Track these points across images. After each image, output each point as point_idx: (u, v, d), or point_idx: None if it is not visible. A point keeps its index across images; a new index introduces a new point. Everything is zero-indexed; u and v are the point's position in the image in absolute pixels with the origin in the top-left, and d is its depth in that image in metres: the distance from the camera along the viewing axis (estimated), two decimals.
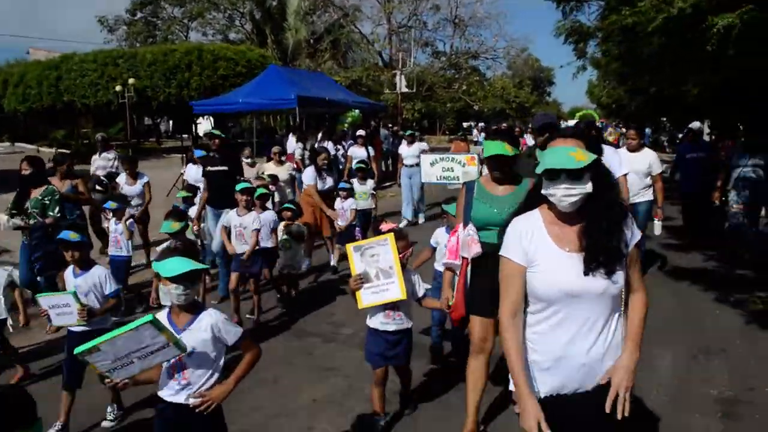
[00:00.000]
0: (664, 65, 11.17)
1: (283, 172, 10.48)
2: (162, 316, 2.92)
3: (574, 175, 2.18)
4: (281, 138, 19.45)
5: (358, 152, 12.78)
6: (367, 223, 9.19)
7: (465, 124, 48.93)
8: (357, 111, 18.51)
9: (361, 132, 13.82)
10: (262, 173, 10.09)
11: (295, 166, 13.28)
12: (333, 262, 8.59)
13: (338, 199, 8.48)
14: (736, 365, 5.13)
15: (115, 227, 6.87)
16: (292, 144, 14.10)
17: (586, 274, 2.23)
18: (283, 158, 11.00)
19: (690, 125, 10.73)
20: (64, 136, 28.35)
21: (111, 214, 6.97)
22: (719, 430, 4.12)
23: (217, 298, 7.26)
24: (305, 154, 13.58)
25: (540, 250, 2.30)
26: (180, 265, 2.82)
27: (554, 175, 2.21)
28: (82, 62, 28.90)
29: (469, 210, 3.69)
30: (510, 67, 48.27)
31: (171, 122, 45.04)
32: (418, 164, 11.82)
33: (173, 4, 40.22)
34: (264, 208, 6.97)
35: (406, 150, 12.40)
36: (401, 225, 10.76)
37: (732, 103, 12.59)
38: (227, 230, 6.64)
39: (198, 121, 32.16)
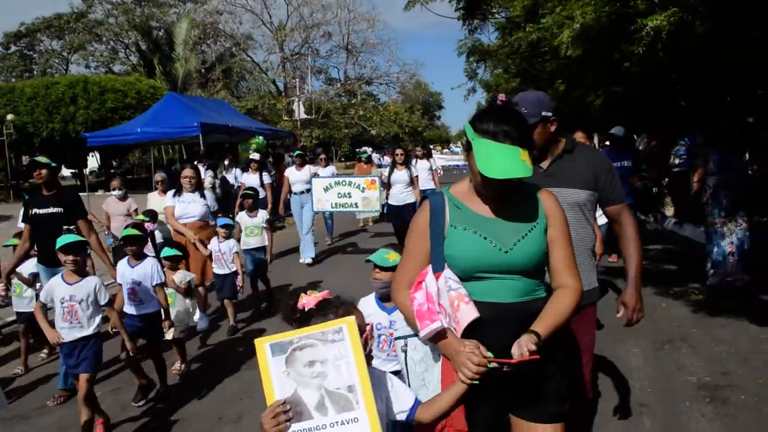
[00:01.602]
0: (570, 77, 11.80)
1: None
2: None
3: None
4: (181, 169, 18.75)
5: (250, 179, 11.42)
6: (260, 268, 7.62)
7: (361, 150, 49.38)
8: (261, 137, 18.22)
9: (254, 156, 12.42)
10: (134, 210, 8.47)
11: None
12: (231, 321, 6.88)
13: (214, 240, 6.85)
14: (702, 352, 5.34)
15: None
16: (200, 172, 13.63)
17: None
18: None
19: (612, 131, 9.23)
20: None
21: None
22: (714, 413, 4.21)
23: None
24: (216, 182, 13.17)
25: None
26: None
27: None
28: None
29: (440, 244, 2.27)
30: (401, 92, 49.35)
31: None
32: (309, 190, 10.42)
33: (51, 36, 38.19)
34: (138, 257, 5.12)
35: (295, 174, 10.75)
36: (306, 262, 10.27)
37: (633, 111, 13.20)
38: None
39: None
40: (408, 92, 54.30)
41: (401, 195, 9.96)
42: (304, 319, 2.02)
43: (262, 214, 7.78)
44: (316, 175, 10.87)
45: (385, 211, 10.73)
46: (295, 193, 10.68)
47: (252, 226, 7.64)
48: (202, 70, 35.68)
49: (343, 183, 10.34)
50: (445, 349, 2.18)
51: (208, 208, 7.25)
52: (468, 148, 2.21)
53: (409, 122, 51.43)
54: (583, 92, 12.18)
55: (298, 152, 11.61)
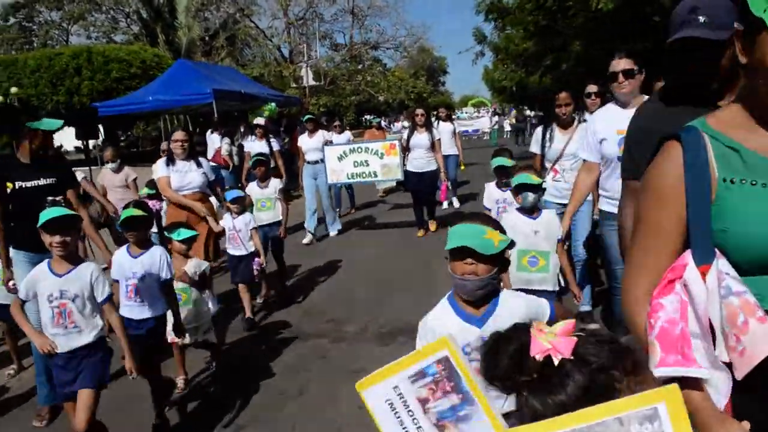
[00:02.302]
0: (597, 33, 11.31)
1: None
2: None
3: None
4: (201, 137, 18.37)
5: (256, 146, 10.23)
6: (275, 246, 6.74)
7: (367, 118, 48.80)
8: (273, 104, 17.73)
9: (258, 120, 11.05)
10: (133, 180, 7.96)
11: (224, 163, 12.48)
12: (248, 313, 5.92)
13: (227, 216, 6.01)
14: None
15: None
16: (215, 141, 13.22)
17: None
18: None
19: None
20: None
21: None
22: None
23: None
24: (233, 150, 12.80)
25: None
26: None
27: None
28: None
29: (705, 215, 1.36)
30: (407, 57, 48.47)
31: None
32: (323, 159, 9.57)
33: (50, 7, 37.35)
34: (142, 245, 4.07)
35: (307, 142, 9.83)
36: (305, 241, 9.51)
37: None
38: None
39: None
40: (413, 57, 53.48)
41: (422, 161, 9.09)
42: (544, 381, 1.03)
43: (275, 184, 6.79)
44: (329, 143, 9.95)
45: (403, 179, 9.63)
46: (308, 162, 9.75)
47: (264, 198, 6.71)
48: (206, 38, 34.98)
49: (359, 150, 9.38)
50: (689, 407, 0.99)
51: (206, 177, 6.24)
52: (749, 34, 1.30)
53: (414, 88, 50.75)
54: (608, 50, 11.66)
55: (308, 116, 10.27)
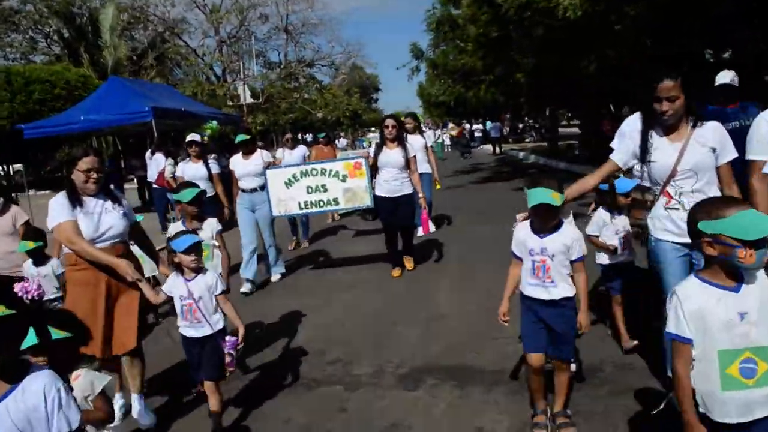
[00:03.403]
0: (563, 42, 11.11)
1: None
2: None
3: None
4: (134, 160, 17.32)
5: (189, 169, 8.13)
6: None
7: (306, 137, 48.14)
8: (215, 122, 16.91)
9: (193, 137, 8.55)
10: (23, 223, 5.38)
11: (168, 186, 11.62)
12: (216, 407, 3.84)
13: (174, 277, 3.87)
14: None
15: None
16: (158, 163, 12.31)
17: None
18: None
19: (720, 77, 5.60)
20: None
21: None
22: None
23: None
24: (174, 171, 11.94)
25: None
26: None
27: None
28: None
29: None
30: (345, 74, 48.07)
31: None
32: (264, 187, 7.43)
33: None
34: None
35: (242, 165, 7.49)
36: (243, 290, 7.18)
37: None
38: None
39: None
40: (348, 74, 53.23)
41: (395, 183, 7.24)
42: None
43: (212, 225, 4.83)
44: (272, 164, 7.77)
45: (372, 206, 7.67)
46: (244, 191, 7.47)
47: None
48: (134, 57, 33.55)
49: (314, 172, 7.40)
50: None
51: (127, 219, 4.11)
52: None
53: (349, 105, 50.42)
54: (575, 59, 11.53)
55: (240, 137, 7.64)
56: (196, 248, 3.75)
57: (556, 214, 3.23)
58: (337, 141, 33.09)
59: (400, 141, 7.30)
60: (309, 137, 48.44)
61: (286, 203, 7.44)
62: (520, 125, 35.63)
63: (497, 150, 28.47)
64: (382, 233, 7.95)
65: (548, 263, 3.26)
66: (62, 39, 33.63)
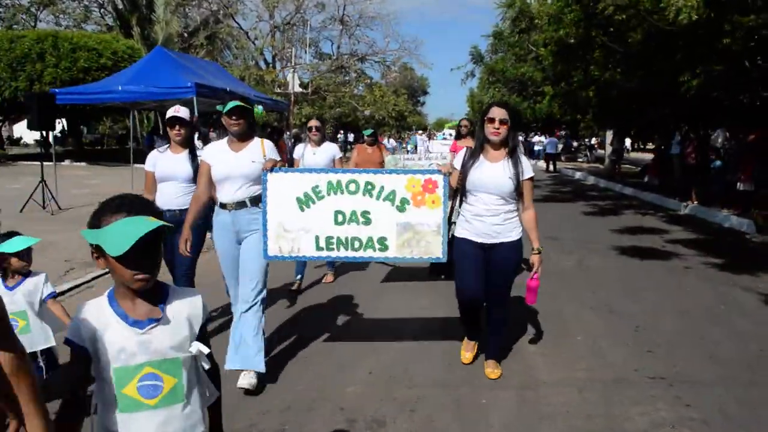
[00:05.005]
0: (668, 49, 9.67)
1: None
2: None
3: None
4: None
5: (166, 164, 5.07)
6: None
7: (343, 134, 47.06)
8: (260, 107, 15.76)
9: (176, 112, 4.84)
10: None
11: None
12: None
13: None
14: None
15: None
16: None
17: None
18: None
19: None
20: None
21: None
22: None
23: None
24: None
25: None
26: None
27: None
28: None
29: None
30: (398, 72, 46.83)
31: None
32: (256, 200, 4.19)
33: None
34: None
35: (222, 160, 4.12)
36: (242, 385, 3.93)
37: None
38: None
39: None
40: (400, 73, 52.10)
41: (493, 220, 4.06)
42: None
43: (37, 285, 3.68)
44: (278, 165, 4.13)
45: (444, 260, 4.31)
46: (223, 206, 4.18)
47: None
48: (185, 35, 32.87)
49: (352, 187, 4.20)
50: None
51: None
52: None
53: (396, 105, 49.21)
54: (676, 71, 10.02)
55: (232, 104, 4.15)
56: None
57: None
58: (386, 140, 31.51)
59: (513, 152, 4.05)
60: (351, 138, 47.32)
61: (294, 237, 4.16)
62: (575, 143, 33.86)
63: (551, 167, 26.86)
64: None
65: None
66: (116, 10, 33.09)
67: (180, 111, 4.73)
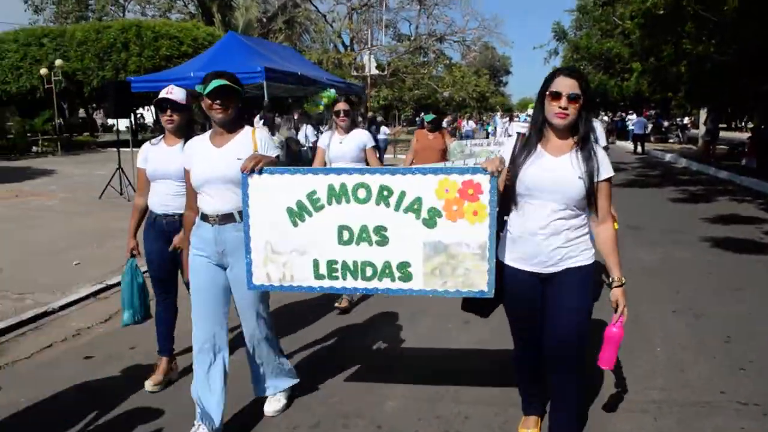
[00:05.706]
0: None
1: None
2: None
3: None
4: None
5: (159, 157, 4.18)
6: None
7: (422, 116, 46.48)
8: (333, 90, 15.63)
9: (167, 92, 4.01)
10: None
11: None
12: None
13: None
14: None
15: None
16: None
17: None
18: None
19: None
20: None
21: None
22: None
23: None
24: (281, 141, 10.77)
25: None
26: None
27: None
28: (0, 42, 25.12)
29: None
30: (473, 53, 45.81)
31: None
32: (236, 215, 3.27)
33: None
34: None
35: (201, 157, 3.25)
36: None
37: None
38: None
39: (138, 111, 28.65)
40: (481, 53, 50.97)
41: (551, 241, 2.79)
42: None
43: None
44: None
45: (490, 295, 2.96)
46: (206, 218, 3.19)
47: None
48: (264, 20, 33.23)
49: (363, 194, 2.95)
50: None
51: None
52: None
53: (477, 86, 48.18)
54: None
55: (216, 82, 3.07)
56: None
57: None
58: (465, 122, 30.48)
59: (585, 141, 2.78)
60: (425, 114, 46.61)
61: (285, 261, 3.06)
62: (665, 123, 31.94)
63: (639, 149, 25.38)
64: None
65: None
66: None
67: (173, 92, 3.71)
